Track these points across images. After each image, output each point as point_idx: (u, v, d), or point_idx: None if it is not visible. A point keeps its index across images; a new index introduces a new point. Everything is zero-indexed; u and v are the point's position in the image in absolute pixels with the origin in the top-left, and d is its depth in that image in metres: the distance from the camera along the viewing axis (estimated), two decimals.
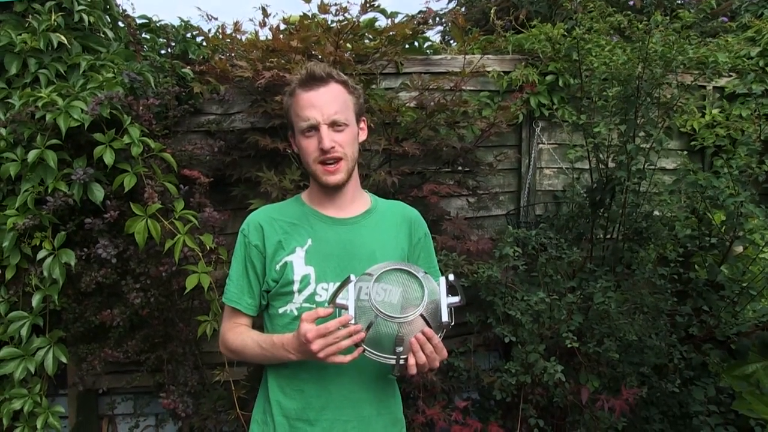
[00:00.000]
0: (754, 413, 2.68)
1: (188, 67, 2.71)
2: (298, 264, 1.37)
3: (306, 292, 1.36)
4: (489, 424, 2.51)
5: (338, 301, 1.22)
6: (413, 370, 1.23)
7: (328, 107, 1.33)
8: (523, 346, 2.52)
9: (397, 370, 1.26)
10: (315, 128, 1.34)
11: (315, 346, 1.18)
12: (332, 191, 1.40)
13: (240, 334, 1.41)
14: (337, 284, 1.36)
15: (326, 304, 1.29)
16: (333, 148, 1.33)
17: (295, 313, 1.37)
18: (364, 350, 1.22)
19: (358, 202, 1.46)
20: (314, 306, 1.36)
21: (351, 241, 1.40)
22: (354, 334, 1.18)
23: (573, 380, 2.58)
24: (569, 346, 2.42)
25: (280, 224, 1.41)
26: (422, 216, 1.58)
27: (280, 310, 1.39)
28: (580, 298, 2.57)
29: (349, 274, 1.23)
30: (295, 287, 1.36)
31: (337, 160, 1.35)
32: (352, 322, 1.20)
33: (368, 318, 1.20)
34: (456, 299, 1.24)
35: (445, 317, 1.21)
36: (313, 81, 1.34)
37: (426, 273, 1.27)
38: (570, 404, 2.61)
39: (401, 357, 1.21)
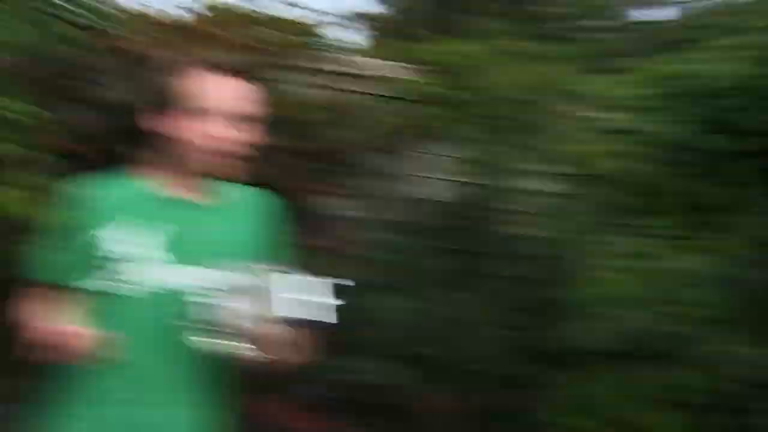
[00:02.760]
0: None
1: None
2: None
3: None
4: (332, 422, 2.59)
5: None
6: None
7: (229, 99, 1.28)
8: (372, 348, 2.61)
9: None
10: (209, 116, 1.26)
11: None
12: (198, 178, 1.32)
13: None
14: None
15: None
16: (223, 141, 1.26)
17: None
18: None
19: (218, 188, 1.38)
20: None
21: (202, 228, 1.34)
22: None
23: (419, 385, 2.66)
24: (418, 353, 2.55)
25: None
26: (299, 213, 1.56)
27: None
28: (435, 306, 2.69)
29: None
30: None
31: (224, 154, 1.29)
32: None
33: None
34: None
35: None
36: (220, 70, 1.29)
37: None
38: (415, 409, 2.69)
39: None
